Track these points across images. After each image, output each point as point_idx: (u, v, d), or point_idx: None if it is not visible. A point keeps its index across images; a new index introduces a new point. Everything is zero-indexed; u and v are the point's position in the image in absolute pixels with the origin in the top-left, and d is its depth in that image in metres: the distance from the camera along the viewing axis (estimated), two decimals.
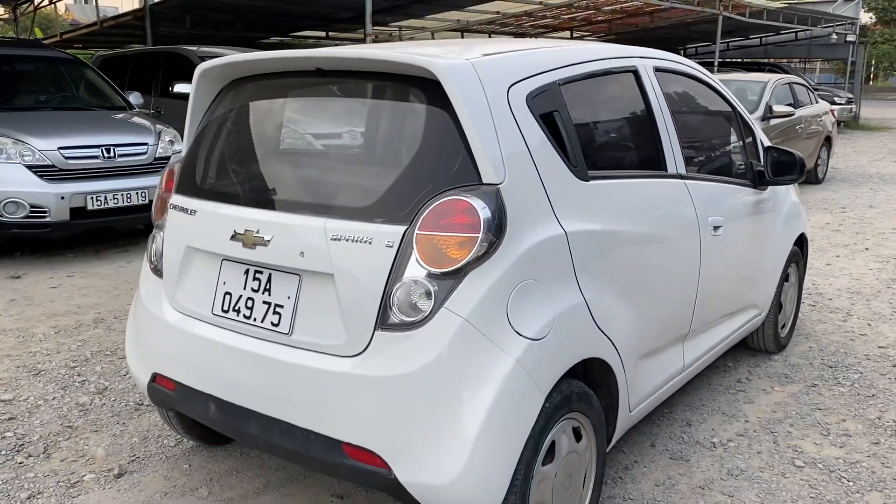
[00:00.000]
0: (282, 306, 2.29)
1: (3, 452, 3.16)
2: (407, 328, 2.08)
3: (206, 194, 2.55)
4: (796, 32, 23.24)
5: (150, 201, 6.53)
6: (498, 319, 2.07)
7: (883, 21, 51.57)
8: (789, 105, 10.32)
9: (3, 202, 5.88)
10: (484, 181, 2.11)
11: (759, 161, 3.71)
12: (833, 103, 18.25)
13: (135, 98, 7.80)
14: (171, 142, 6.89)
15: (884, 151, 16.47)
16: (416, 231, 2.08)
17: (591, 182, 2.44)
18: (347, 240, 2.14)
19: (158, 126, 6.99)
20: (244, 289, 2.39)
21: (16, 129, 6.18)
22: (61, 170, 6.09)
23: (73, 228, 6.28)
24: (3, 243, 6.41)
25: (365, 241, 2.12)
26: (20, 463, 3.09)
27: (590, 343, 2.35)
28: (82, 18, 35.57)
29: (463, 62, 2.19)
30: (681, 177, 2.98)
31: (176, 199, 2.65)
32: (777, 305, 4.13)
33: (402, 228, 2.09)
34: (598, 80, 2.70)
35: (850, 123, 22.47)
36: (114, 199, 6.28)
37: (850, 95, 22.39)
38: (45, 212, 5.98)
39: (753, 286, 3.77)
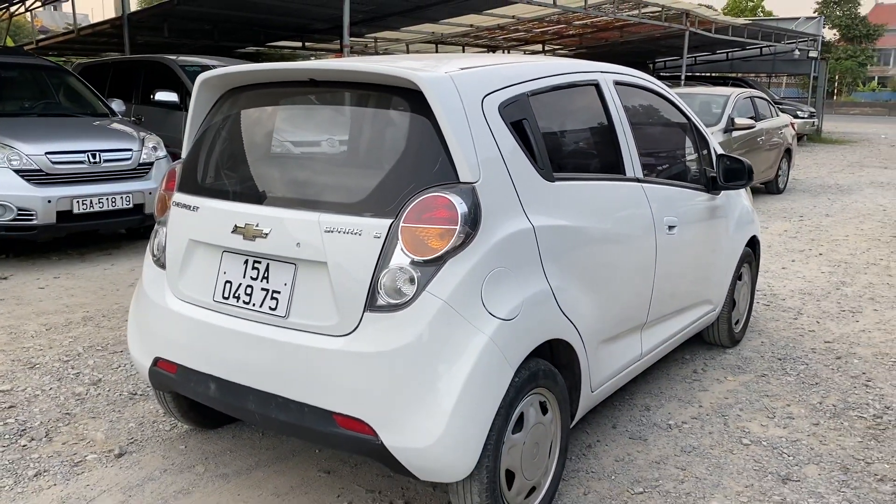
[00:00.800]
0: (279, 292, 2.54)
1: (7, 437, 3.36)
2: (393, 310, 2.34)
3: (207, 192, 2.80)
4: (761, 48, 23.96)
5: (135, 205, 6.73)
6: (473, 301, 2.35)
7: (846, 38, 53.06)
8: (750, 118, 10.76)
9: None
10: (461, 180, 2.38)
11: (712, 168, 4.03)
12: (796, 117, 18.88)
13: (117, 105, 7.98)
14: (155, 148, 7.09)
15: (843, 164, 17.07)
16: (401, 224, 2.34)
17: (557, 183, 2.73)
18: (339, 232, 2.40)
19: (142, 133, 7.18)
20: (244, 277, 2.63)
21: (2, 134, 6.35)
22: (48, 174, 6.27)
23: (60, 231, 6.44)
24: None
25: (355, 233, 2.38)
26: (24, 446, 3.29)
27: (555, 326, 2.63)
28: (51, 25, 35.41)
29: (442, 75, 2.47)
30: (638, 180, 3.28)
31: (178, 196, 2.89)
32: (731, 302, 4.46)
33: (389, 221, 2.36)
34: (562, 91, 3.00)
35: (812, 137, 23.17)
36: (99, 203, 6.46)
37: (813, 109, 23.11)
38: (32, 215, 6.15)
39: (707, 283, 4.09)
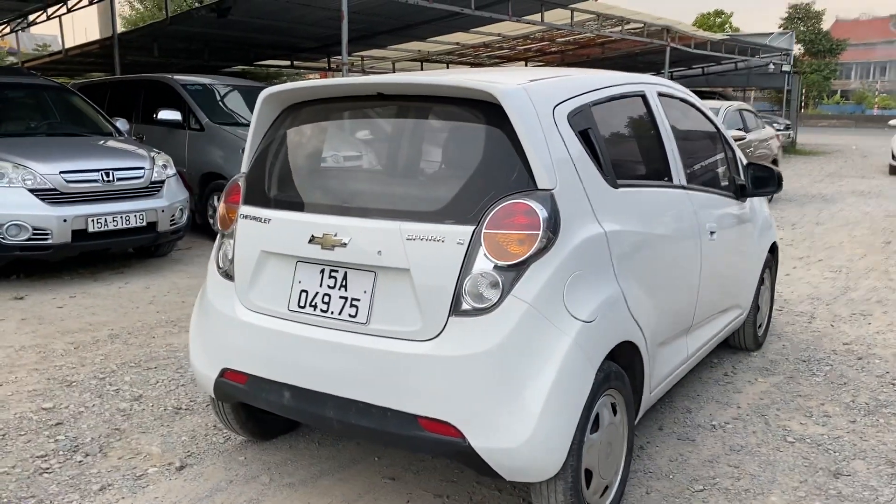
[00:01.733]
0: (358, 300, 2.60)
1: (61, 453, 3.36)
2: (478, 314, 2.41)
3: (278, 204, 2.86)
4: (736, 63, 24.46)
5: (149, 223, 6.72)
6: (556, 304, 2.42)
7: (810, 52, 54.36)
8: (740, 129, 11.02)
9: (6, 225, 6.02)
10: (539, 187, 2.47)
11: (740, 176, 4.16)
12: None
13: (122, 124, 7.98)
14: (165, 166, 7.10)
15: (822, 174, 17.46)
16: (484, 230, 2.42)
17: (620, 189, 2.83)
18: (422, 239, 2.47)
19: (152, 151, 7.19)
20: (320, 286, 2.69)
21: (15, 154, 6.33)
22: (63, 193, 6.25)
23: (74, 250, 6.42)
24: (1, 266, 6.50)
25: (438, 240, 2.45)
26: (80, 461, 3.29)
27: (626, 328, 2.72)
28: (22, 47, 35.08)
29: (517, 87, 2.56)
30: (683, 187, 3.39)
31: (246, 209, 2.94)
32: (755, 306, 4.59)
33: (471, 228, 2.43)
34: (617, 102, 3.10)
35: (788, 148, 23.66)
36: (113, 221, 6.45)
37: (788, 122, 23.62)
38: (47, 234, 6.13)
39: (738, 288, 4.21)
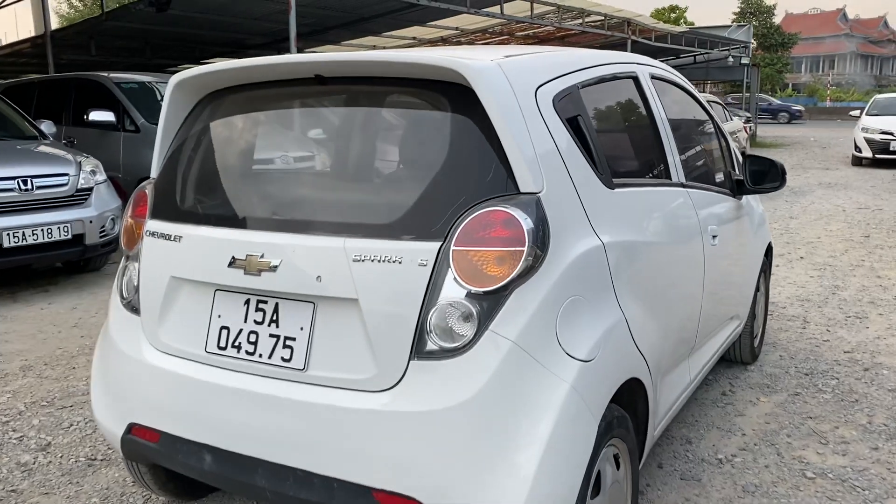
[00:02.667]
0: (293, 339, 2.03)
1: None
2: (447, 355, 1.86)
3: (192, 218, 2.27)
4: (695, 56, 24.31)
5: (74, 236, 6.04)
6: (548, 341, 1.89)
7: (763, 46, 55.00)
8: None
9: None
10: (521, 190, 1.93)
11: (736, 170, 3.68)
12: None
13: (47, 127, 7.25)
14: (93, 172, 6.42)
15: (787, 166, 17.25)
16: (452, 247, 1.87)
17: (617, 190, 2.30)
18: (373, 260, 1.92)
19: (78, 156, 6.49)
20: (245, 321, 2.11)
21: None
22: None
23: None
24: None
25: (394, 261, 1.90)
26: None
27: (630, 363, 2.19)
28: None
29: (491, 63, 2.02)
30: (682, 185, 2.89)
31: (153, 224, 2.35)
32: (752, 315, 4.12)
33: (436, 245, 1.88)
34: (607, 85, 2.58)
35: (750, 141, 23.58)
36: (33, 234, 5.76)
37: (748, 115, 23.53)
38: None
39: (737, 296, 3.73)
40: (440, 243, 1.88)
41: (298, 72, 2.26)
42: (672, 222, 2.70)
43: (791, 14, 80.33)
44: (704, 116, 3.55)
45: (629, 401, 2.36)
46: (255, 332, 2.09)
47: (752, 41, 29.46)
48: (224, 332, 2.15)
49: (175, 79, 2.45)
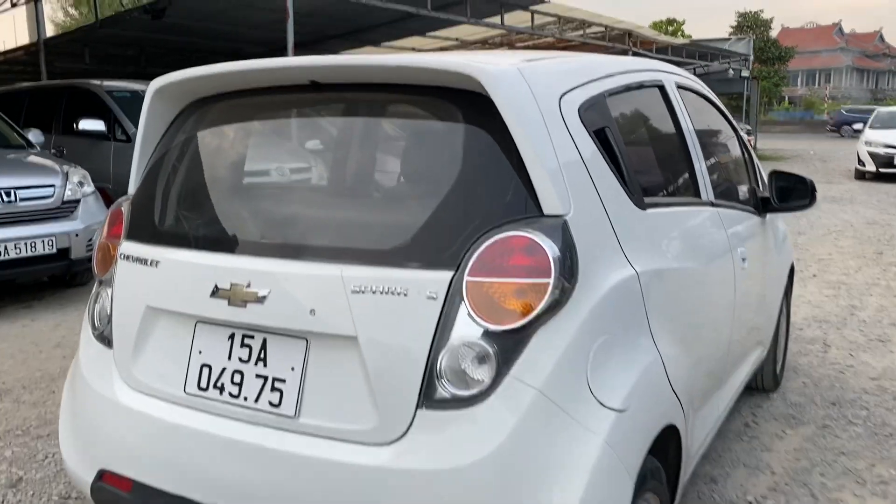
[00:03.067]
0: (283, 381, 1.78)
1: None
2: (461, 405, 1.61)
3: (171, 240, 2.02)
4: (695, 68, 24.15)
5: (59, 250, 5.77)
6: (578, 388, 1.63)
7: (760, 60, 55.04)
8: None
9: None
10: (546, 212, 1.68)
11: (760, 187, 3.45)
12: None
13: (34, 136, 7.00)
14: (81, 183, 6.16)
15: None
16: (466, 277, 1.62)
17: (648, 211, 2.06)
18: (374, 292, 1.67)
19: (65, 166, 6.24)
20: (229, 359, 1.86)
21: None
22: None
23: None
24: None
25: (398, 293, 1.65)
26: None
27: (667, 409, 1.94)
28: None
29: (509, 67, 1.78)
30: (711, 204, 2.65)
31: (128, 247, 2.09)
32: (775, 340, 3.87)
33: (448, 274, 1.64)
34: (633, 93, 2.34)
35: None
36: (16, 248, 5.49)
37: (749, 127, 23.37)
38: None
39: (763, 321, 3.48)
40: (452, 273, 1.63)
41: (292, 77, 2.01)
42: (704, 245, 2.45)
43: (787, 28, 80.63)
44: (729, 129, 3.32)
45: (663, 446, 2.11)
46: (241, 372, 1.84)
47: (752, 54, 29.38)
48: (205, 370, 1.89)
49: (155, 84, 2.20)
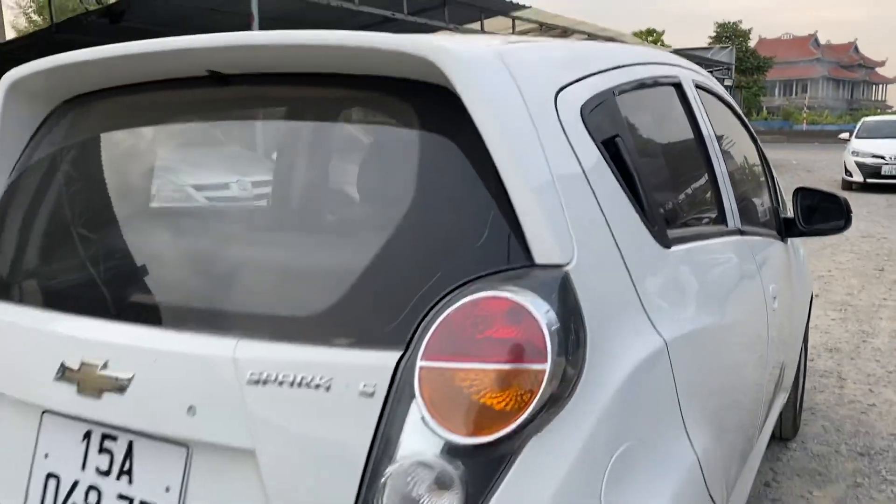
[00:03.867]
0: None
1: None
2: None
3: (8, 293, 1.45)
4: None
5: None
6: None
7: (739, 70, 55.22)
8: None
9: None
10: (538, 260, 1.14)
11: (782, 206, 2.93)
12: None
13: None
14: None
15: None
16: (421, 361, 1.07)
17: (674, 249, 1.51)
18: (282, 382, 1.11)
19: None
20: (83, 469, 1.29)
21: None
22: None
23: None
24: None
25: (318, 386, 1.10)
26: None
27: None
28: None
29: (485, 50, 1.23)
30: (739, 232, 2.11)
31: None
32: (795, 381, 3.34)
33: (392, 357, 1.09)
34: (647, 92, 1.80)
35: None
36: None
37: None
38: None
39: (787, 365, 2.95)
40: (399, 355, 1.09)
41: (185, 66, 1.45)
42: (737, 288, 1.92)
43: (764, 39, 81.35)
44: (748, 138, 2.80)
45: None
46: (97, 489, 1.27)
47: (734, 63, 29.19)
48: (52, 483, 1.32)
49: (9, 78, 1.64)
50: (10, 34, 16.04)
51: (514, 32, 13.40)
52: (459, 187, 1.17)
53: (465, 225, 1.15)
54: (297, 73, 1.36)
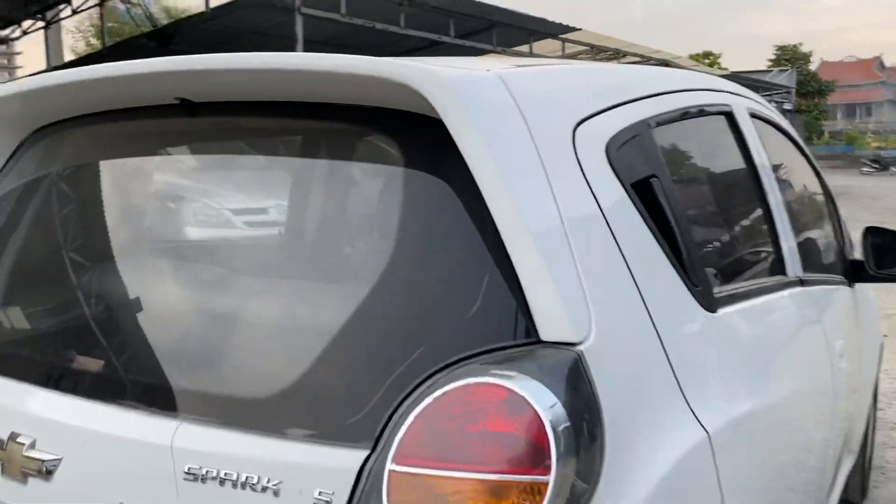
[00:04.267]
0: None
1: None
2: None
3: None
4: None
5: None
6: None
7: (800, 93, 54.02)
8: None
9: None
10: (544, 336, 0.91)
11: (849, 247, 2.63)
12: None
13: None
14: None
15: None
16: (391, 465, 0.85)
17: (721, 312, 1.26)
18: (223, 481, 0.90)
19: None
20: None
21: None
22: None
23: None
24: None
25: (264, 488, 0.89)
26: None
27: None
28: None
29: (482, 74, 1.01)
30: (800, 282, 1.83)
31: None
32: (864, 440, 3.00)
33: (357, 457, 0.87)
34: (690, 123, 1.55)
35: None
36: None
37: None
38: None
39: (855, 426, 2.63)
40: (364, 455, 0.87)
41: (153, 92, 1.27)
42: (799, 352, 1.64)
43: (826, 62, 79.49)
44: (811, 172, 2.52)
45: None
46: None
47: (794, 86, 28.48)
48: None
49: None
50: (68, 57, 16.48)
51: (563, 55, 13.20)
52: (445, 242, 0.95)
53: (452, 290, 0.93)
54: (273, 102, 1.17)
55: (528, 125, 0.99)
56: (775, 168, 1.94)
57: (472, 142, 0.92)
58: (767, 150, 1.91)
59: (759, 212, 1.74)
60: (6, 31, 12.64)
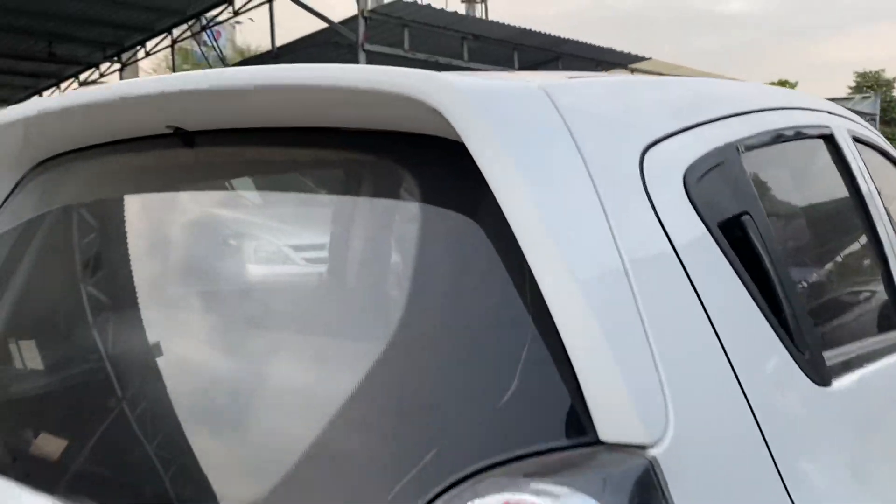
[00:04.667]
0: None
1: None
2: None
3: None
4: None
5: None
6: None
7: (884, 121, 51.81)
8: None
9: None
10: (603, 437, 0.66)
11: None
12: None
13: None
14: None
15: None
16: None
17: (836, 385, 0.98)
18: None
19: None
20: None
21: None
22: None
23: None
24: None
25: None
26: None
27: None
28: None
29: (522, 85, 0.79)
30: None
31: None
32: None
33: None
34: (784, 148, 1.29)
35: None
36: None
37: None
38: None
39: None
40: None
41: (144, 121, 1.09)
42: None
43: None
44: None
45: None
46: None
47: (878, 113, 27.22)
48: None
49: None
50: None
51: None
52: (470, 306, 0.72)
53: (479, 371, 0.70)
54: (279, 127, 0.97)
55: (581, 150, 0.76)
56: (886, 201, 1.65)
57: (504, 173, 0.69)
58: (875, 179, 1.62)
59: (871, 254, 1.44)
60: (85, 75, 13.08)
